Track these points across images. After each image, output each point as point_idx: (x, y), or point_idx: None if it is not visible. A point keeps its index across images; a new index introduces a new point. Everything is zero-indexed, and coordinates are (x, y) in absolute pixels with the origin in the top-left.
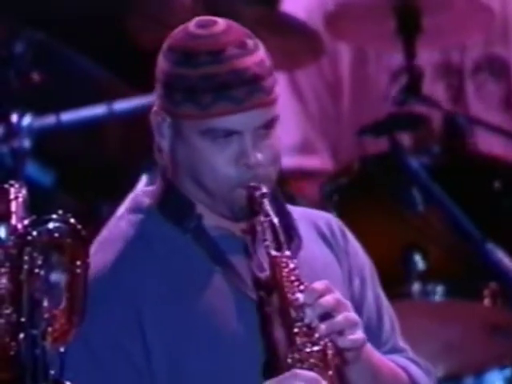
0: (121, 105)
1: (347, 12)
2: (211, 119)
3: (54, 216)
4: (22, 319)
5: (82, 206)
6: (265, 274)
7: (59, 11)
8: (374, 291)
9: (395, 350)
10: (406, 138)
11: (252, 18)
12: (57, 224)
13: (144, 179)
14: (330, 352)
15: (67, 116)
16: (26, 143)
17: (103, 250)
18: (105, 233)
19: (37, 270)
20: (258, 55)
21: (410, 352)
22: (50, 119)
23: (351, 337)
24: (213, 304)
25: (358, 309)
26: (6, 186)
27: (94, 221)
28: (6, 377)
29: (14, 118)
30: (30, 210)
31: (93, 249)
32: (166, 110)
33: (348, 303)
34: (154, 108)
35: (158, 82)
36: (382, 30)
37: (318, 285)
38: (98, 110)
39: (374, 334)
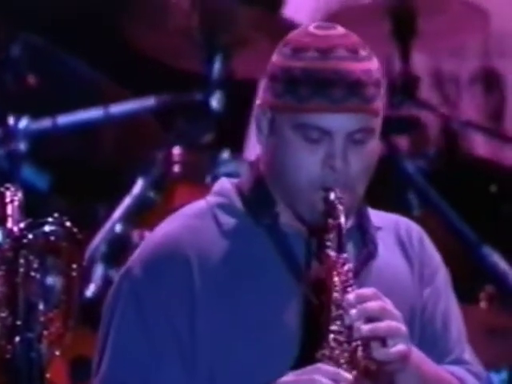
0: (117, 108)
1: (343, 15)
2: (306, 114)
3: (50, 219)
4: (18, 322)
5: (77, 209)
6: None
7: (56, 15)
8: (445, 302)
9: (459, 362)
10: (403, 142)
11: (251, 22)
12: (53, 227)
13: (140, 182)
14: (360, 354)
15: (63, 119)
16: (22, 146)
17: (173, 221)
18: (184, 208)
19: (33, 273)
20: (367, 65)
21: (475, 365)
22: (46, 122)
23: (388, 350)
24: (268, 297)
25: (425, 318)
26: (2, 189)
27: (90, 224)
28: (2, 380)
29: (11, 121)
30: (25, 213)
31: (166, 219)
32: (268, 102)
33: (396, 312)
34: (258, 101)
35: (266, 75)
36: (377, 32)
37: (366, 290)
38: (93, 113)
39: (438, 343)
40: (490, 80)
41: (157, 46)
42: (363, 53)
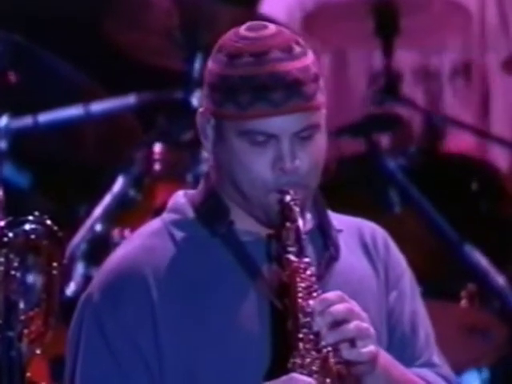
0: (97, 106)
1: (326, 12)
2: (249, 121)
3: (31, 217)
4: None
5: (58, 207)
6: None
7: (37, 13)
8: (411, 305)
9: (428, 365)
10: (384, 139)
11: (230, 20)
12: (33, 225)
13: (120, 180)
14: (331, 360)
15: (44, 117)
16: (3, 144)
17: (129, 242)
18: (140, 228)
19: (13, 272)
20: (303, 61)
21: (444, 368)
22: (26, 120)
23: (359, 350)
24: (231, 305)
25: (392, 322)
26: None
27: (71, 222)
28: None
29: None
30: (6, 211)
31: (123, 242)
32: (210, 110)
33: (363, 314)
34: (200, 109)
35: (205, 82)
36: (360, 30)
37: (331, 294)
38: (74, 111)
39: (407, 347)
40: (472, 74)
41: (137, 45)
42: (297, 49)
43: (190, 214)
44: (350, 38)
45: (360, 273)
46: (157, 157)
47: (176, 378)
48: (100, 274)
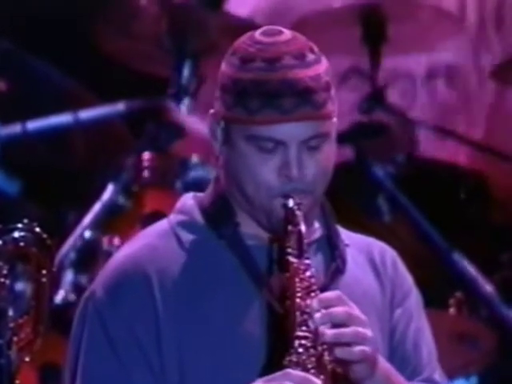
0: (86, 113)
1: (313, 20)
2: (257, 126)
3: (20, 225)
4: None
5: (47, 215)
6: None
7: (25, 20)
8: (416, 323)
9: (429, 381)
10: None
11: (217, 27)
12: (22, 233)
13: (110, 188)
14: (326, 358)
15: (33, 125)
16: None
17: (134, 241)
18: (146, 228)
19: (2, 280)
20: (315, 69)
21: None
22: (15, 128)
23: (351, 348)
24: (233, 308)
25: (395, 339)
26: None
27: (60, 230)
28: None
29: None
30: None
31: (129, 241)
32: (220, 112)
33: (362, 317)
34: (211, 111)
35: (217, 84)
36: (347, 37)
37: (330, 294)
38: (63, 118)
39: (409, 365)
40: (450, 74)
41: (126, 52)
42: (311, 57)
43: (198, 216)
44: (337, 46)
45: (365, 287)
46: (146, 164)
47: (175, 375)
48: (103, 272)
